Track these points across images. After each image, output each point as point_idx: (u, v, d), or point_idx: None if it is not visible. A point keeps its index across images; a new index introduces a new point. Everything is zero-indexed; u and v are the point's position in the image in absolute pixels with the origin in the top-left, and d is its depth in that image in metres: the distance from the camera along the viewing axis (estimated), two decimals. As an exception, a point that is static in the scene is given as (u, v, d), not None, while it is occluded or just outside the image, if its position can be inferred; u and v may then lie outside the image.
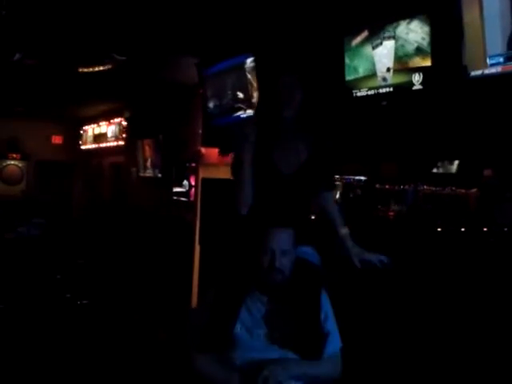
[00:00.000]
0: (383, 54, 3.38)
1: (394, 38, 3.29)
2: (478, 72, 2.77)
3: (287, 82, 2.10)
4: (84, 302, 5.91)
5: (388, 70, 3.37)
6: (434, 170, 5.59)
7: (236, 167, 2.12)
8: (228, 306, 1.89)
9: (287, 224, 1.92)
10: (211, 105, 5.26)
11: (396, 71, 3.31)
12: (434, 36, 3.01)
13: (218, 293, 1.95)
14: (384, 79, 3.41)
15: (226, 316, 1.88)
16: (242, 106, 4.74)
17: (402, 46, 3.24)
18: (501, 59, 2.64)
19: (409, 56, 3.21)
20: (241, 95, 4.77)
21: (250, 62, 4.63)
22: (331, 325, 1.96)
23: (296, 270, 1.93)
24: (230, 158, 2.13)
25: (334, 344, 1.95)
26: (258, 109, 2.28)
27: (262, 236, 1.89)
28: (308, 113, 2.17)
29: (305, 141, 2.17)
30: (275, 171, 2.12)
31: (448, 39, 2.93)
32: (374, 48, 3.45)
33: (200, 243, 5.91)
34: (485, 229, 4.94)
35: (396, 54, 3.29)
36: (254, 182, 2.09)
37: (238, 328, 1.87)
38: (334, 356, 1.95)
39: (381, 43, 3.39)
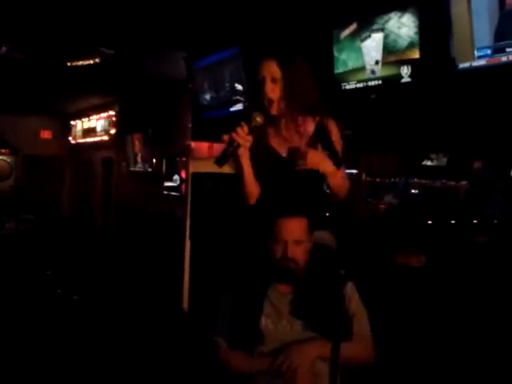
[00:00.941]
0: (372, 47, 3.36)
1: (382, 30, 3.27)
2: (466, 64, 2.76)
3: (270, 70, 2.07)
4: (75, 297, 5.89)
5: (377, 62, 3.36)
6: (425, 163, 5.61)
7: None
8: (250, 301, 1.88)
9: (297, 212, 1.90)
10: (207, 97, 5.22)
11: (385, 64, 3.30)
12: (422, 28, 3.00)
13: (238, 289, 1.94)
14: (373, 72, 3.40)
15: (250, 311, 1.87)
16: (241, 98, 4.70)
17: (391, 38, 3.23)
18: (488, 51, 2.64)
19: (397, 49, 3.20)
20: (239, 87, 4.73)
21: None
22: (357, 307, 1.93)
23: (313, 255, 1.91)
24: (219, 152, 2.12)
25: (363, 325, 1.91)
26: (248, 99, 2.25)
27: (272, 227, 1.87)
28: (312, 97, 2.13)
29: (305, 124, 2.14)
30: (275, 156, 2.10)
31: (436, 31, 2.92)
32: (362, 41, 3.43)
33: (190, 238, 5.89)
34: (475, 221, 4.97)
35: (384, 46, 3.28)
36: (255, 170, 2.06)
37: (263, 321, 1.87)
38: (363, 337, 1.90)
39: (369, 36, 3.38)
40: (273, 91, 2.05)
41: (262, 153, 2.08)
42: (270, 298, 1.89)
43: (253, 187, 2.05)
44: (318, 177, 2.09)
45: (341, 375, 1.76)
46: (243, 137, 1.94)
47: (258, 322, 1.86)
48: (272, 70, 2.05)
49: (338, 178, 2.04)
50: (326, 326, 1.80)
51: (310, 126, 2.12)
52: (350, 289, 1.95)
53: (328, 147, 2.05)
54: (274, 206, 1.94)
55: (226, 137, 1.96)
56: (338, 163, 2.02)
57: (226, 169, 2.10)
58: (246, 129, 1.95)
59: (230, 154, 1.95)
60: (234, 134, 1.94)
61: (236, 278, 2.00)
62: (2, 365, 3.95)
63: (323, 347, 1.78)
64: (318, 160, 1.99)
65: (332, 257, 2.03)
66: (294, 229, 1.87)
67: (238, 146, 1.95)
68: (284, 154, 2.09)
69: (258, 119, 2.00)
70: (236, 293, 1.94)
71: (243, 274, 1.99)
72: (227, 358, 1.90)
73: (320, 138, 2.08)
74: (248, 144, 1.97)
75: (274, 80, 2.05)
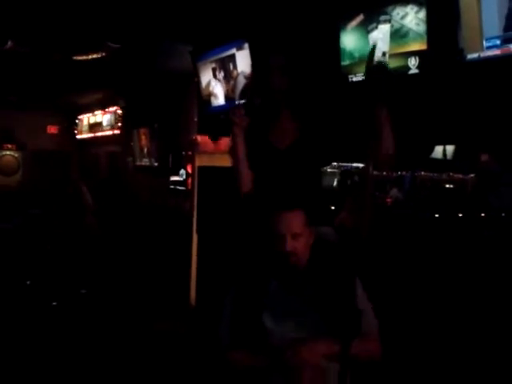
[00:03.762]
0: (379, 38, 3.34)
1: (389, 21, 3.25)
2: (475, 55, 2.73)
3: (277, 63, 2.10)
4: (83, 291, 5.92)
5: (384, 54, 3.33)
6: (432, 156, 5.59)
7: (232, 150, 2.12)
8: (252, 298, 1.85)
9: (294, 205, 1.87)
10: (213, 91, 5.20)
11: (392, 55, 3.27)
12: (429, 19, 2.96)
13: (239, 285, 1.92)
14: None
15: (252, 308, 1.84)
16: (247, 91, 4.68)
17: (398, 29, 3.20)
18: (497, 41, 2.61)
19: (405, 40, 3.18)
20: (245, 80, 4.69)
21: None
22: (363, 303, 1.89)
23: (316, 251, 1.88)
24: (226, 146, 2.14)
25: (370, 321, 1.88)
26: (251, 90, 2.30)
27: (269, 221, 1.85)
28: (299, 94, 2.17)
29: (296, 121, 2.18)
30: (272, 149, 2.12)
31: (444, 22, 2.89)
32: (369, 32, 3.41)
33: (197, 232, 5.89)
34: (482, 214, 4.95)
35: (392, 38, 3.25)
36: (251, 162, 2.08)
37: (266, 318, 1.83)
38: (370, 334, 1.87)
39: (376, 27, 3.35)
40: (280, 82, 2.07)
41: (261, 147, 2.10)
42: (271, 293, 1.86)
43: (245, 170, 2.07)
44: (316, 170, 2.12)
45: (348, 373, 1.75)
46: (239, 116, 1.99)
47: (259, 319, 1.83)
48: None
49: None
50: (334, 323, 1.78)
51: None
52: (356, 284, 1.91)
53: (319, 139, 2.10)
54: (271, 199, 1.92)
55: (222, 115, 2.04)
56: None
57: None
58: (242, 109, 2.00)
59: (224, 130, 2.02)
60: (230, 112, 1.99)
61: (237, 274, 1.97)
62: (9, 357, 3.98)
63: (332, 345, 1.76)
64: None
65: (336, 252, 2.01)
66: (292, 222, 1.84)
67: (234, 124, 1.99)
68: (280, 147, 2.12)
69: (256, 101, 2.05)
70: (237, 289, 1.92)
71: (244, 269, 1.96)
72: (231, 354, 1.87)
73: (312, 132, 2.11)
74: (244, 124, 2.01)
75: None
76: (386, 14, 3.26)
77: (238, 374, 1.87)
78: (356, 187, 6.71)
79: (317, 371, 1.76)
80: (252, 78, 4.28)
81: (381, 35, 3.33)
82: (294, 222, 1.84)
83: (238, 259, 2.11)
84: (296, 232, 1.83)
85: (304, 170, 2.12)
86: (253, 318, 1.83)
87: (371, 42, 3.39)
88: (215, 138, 5.49)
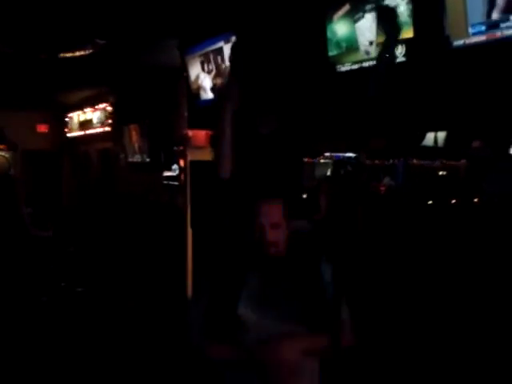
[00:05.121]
0: (365, 28, 3.33)
1: (375, 10, 3.23)
2: (461, 41, 2.73)
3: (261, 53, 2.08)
4: (79, 289, 5.91)
5: (371, 43, 3.33)
6: (423, 144, 5.59)
7: (216, 134, 2.09)
8: (228, 288, 1.83)
9: (274, 195, 1.86)
10: (202, 85, 5.18)
11: (379, 44, 3.26)
12: (415, 6, 2.96)
13: (215, 276, 1.88)
14: (367, 53, 3.36)
15: (228, 298, 1.82)
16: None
17: (384, 18, 3.18)
18: (483, 27, 2.61)
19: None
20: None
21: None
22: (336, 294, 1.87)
23: (292, 243, 1.87)
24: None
25: (343, 310, 1.86)
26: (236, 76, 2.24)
27: (249, 210, 1.83)
28: (283, 84, 2.15)
29: (279, 109, 2.16)
30: (254, 133, 2.10)
31: (430, 9, 2.88)
32: (355, 21, 3.39)
33: (192, 226, 5.88)
34: (475, 199, 4.96)
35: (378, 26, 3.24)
36: (234, 146, 2.04)
37: (242, 309, 1.81)
38: (344, 323, 1.85)
39: (363, 16, 3.34)
40: None
41: (245, 131, 2.07)
42: (248, 284, 1.83)
43: (229, 152, 2.02)
44: (296, 160, 2.10)
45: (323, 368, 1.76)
46: (234, 91, 1.95)
47: (235, 310, 1.80)
48: None
49: None
50: (305, 316, 1.78)
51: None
52: (326, 272, 1.91)
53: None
54: (251, 189, 1.92)
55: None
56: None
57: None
58: (237, 86, 1.96)
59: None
60: (224, 88, 1.97)
61: (213, 265, 1.95)
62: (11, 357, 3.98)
63: (312, 340, 1.76)
64: None
65: (310, 244, 2.00)
66: (272, 212, 1.82)
67: (227, 99, 1.95)
68: (262, 131, 2.10)
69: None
70: (213, 281, 1.88)
71: (220, 260, 1.93)
72: (207, 346, 1.85)
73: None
74: (234, 98, 1.97)
75: None
76: (371, 2, 3.24)
77: (215, 365, 1.87)
78: (349, 176, 6.74)
79: (294, 367, 1.74)
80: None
81: (367, 24, 3.32)
82: (274, 212, 1.83)
83: (216, 249, 2.09)
84: (276, 222, 1.82)
85: (285, 158, 2.11)
86: (229, 310, 1.80)
87: (358, 32, 3.38)
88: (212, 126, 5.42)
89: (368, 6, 3.30)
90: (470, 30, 2.65)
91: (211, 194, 2.16)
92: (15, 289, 5.31)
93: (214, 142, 2.16)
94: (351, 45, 3.46)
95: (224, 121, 2.01)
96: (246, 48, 2.15)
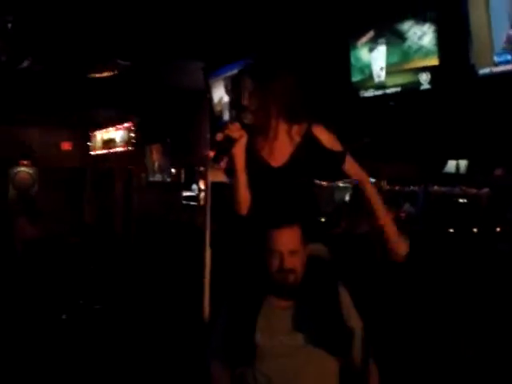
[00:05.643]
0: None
1: (401, 37, 3.25)
2: (487, 70, 2.73)
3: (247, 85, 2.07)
4: (97, 307, 5.93)
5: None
6: (445, 171, 5.55)
7: (230, 168, 2.08)
8: (244, 316, 1.81)
9: (291, 222, 1.84)
10: (225, 107, 5.25)
11: (403, 71, 3.28)
12: (440, 35, 2.97)
13: (231, 303, 1.88)
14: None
15: (244, 326, 1.80)
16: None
17: (410, 46, 3.20)
18: (509, 57, 2.60)
19: (416, 55, 3.18)
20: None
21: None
22: (348, 307, 1.88)
23: (309, 268, 1.85)
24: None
25: (355, 324, 1.85)
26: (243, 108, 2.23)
27: (266, 238, 1.82)
28: (308, 108, 2.13)
29: (292, 134, 2.13)
30: (265, 166, 2.08)
31: (455, 38, 2.89)
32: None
33: (211, 246, 5.89)
34: (498, 229, 4.89)
35: (403, 53, 3.26)
36: (249, 182, 2.04)
37: (259, 337, 1.79)
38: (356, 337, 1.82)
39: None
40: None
41: (252, 164, 2.06)
42: (264, 312, 1.82)
43: (245, 192, 1.99)
44: (309, 185, 2.09)
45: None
46: (236, 131, 1.92)
47: (252, 338, 1.78)
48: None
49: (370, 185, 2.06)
50: (325, 342, 1.77)
51: (297, 136, 2.11)
52: (345, 296, 1.90)
53: (320, 154, 2.05)
54: (267, 216, 1.88)
55: (219, 135, 1.93)
56: (341, 160, 2.04)
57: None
58: (237, 124, 1.94)
59: (224, 149, 1.93)
60: (227, 131, 1.92)
61: (230, 293, 1.93)
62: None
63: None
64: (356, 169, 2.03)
65: (327, 269, 1.98)
66: (289, 239, 1.81)
67: (233, 142, 1.93)
68: (274, 164, 2.08)
69: (247, 120, 2.00)
70: (230, 308, 1.88)
71: (237, 288, 1.92)
72: (218, 376, 1.85)
73: (310, 148, 2.07)
74: (243, 140, 1.95)
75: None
76: (396, 30, 3.27)
77: None
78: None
79: None
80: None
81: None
82: (292, 238, 1.81)
83: (234, 276, 2.08)
84: (293, 249, 1.80)
85: (300, 186, 2.09)
86: (245, 338, 1.79)
87: (372, 61, 3.44)
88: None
89: (392, 34, 3.32)
90: (496, 59, 2.65)
91: (232, 219, 2.15)
92: (37, 307, 5.36)
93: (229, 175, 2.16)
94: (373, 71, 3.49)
95: (238, 161, 2.00)
96: (266, 71, 2.14)
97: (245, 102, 2.04)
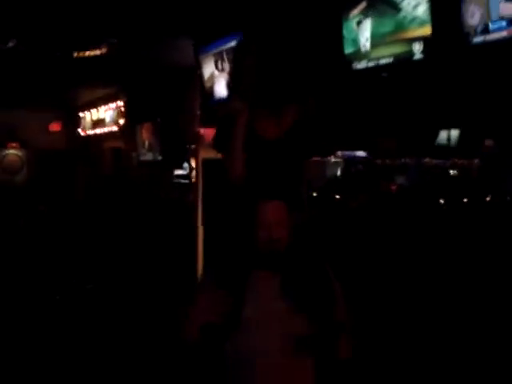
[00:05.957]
0: (365, 29, 3.38)
1: (395, 7, 3.23)
2: (480, 38, 2.71)
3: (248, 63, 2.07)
4: (89, 286, 5.95)
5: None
6: (436, 142, 5.58)
7: (224, 139, 2.09)
8: (232, 290, 1.82)
9: (280, 195, 1.89)
10: (215, 83, 5.20)
11: (396, 41, 3.26)
12: (433, 3, 2.95)
13: (218, 277, 1.88)
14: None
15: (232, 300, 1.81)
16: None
17: (405, 16, 3.18)
18: (503, 23, 2.59)
19: (408, 26, 3.16)
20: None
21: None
22: (335, 281, 1.93)
23: (294, 237, 1.90)
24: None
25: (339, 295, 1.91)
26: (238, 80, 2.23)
27: (256, 210, 1.85)
28: (294, 82, 2.14)
29: (289, 109, 2.14)
30: (259, 139, 2.10)
31: (449, 6, 2.87)
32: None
33: (203, 224, 5.90)
34: (487, 198, 4.95)
35: (396, 23, 3.24)
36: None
37: (248, 310, 1.81)
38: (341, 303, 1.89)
39: (381, 13, 3.35)
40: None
41: (247, 136, 2.07)
42: (253, 284, 1.84)
43: (242, 165, 2.03)
44: (302, 160, 2.11)
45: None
46: (239, 108, 1.94)
47: (240, 311, 1.80)
48: None
49: None
50: (314, 310, 1.81)
51: (293, 112, 2.12)
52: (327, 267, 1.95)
53: (313, 131, 2.07)
54: (258, 188, 1.93)
55: (221, 111, 1.95)
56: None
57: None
58: (239, 102, 1.95)
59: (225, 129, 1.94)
60: (232, 103, 1.94)
61: (217, 263, 1.96)
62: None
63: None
64: None
65: (313, 238, 2.02)
66: (277, 210, 1.86)
67: (235, 120, 1.94)
68: (267, 137, 2.09)
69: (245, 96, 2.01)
70: (217, 282, 1.87)
71: (224, 262, 1.94)
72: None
73: (304, 124, 2.09)
74: (243, 119, 1.96)
75: None
76: (390, 1, 3.24)
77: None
78: (360, 175, 6.73)
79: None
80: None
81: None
82: (280, 209, 1.86)
83: (223, 247, 2.10)
84: (281, 219, 1.85)
85: (293, 159, 2.11)
86: (233, 313, 1.80)
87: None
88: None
89: (383, 4, 3.30)
90: (491, 26, 2.63)
91: (222, 193, 2.17)
92: (32, 288, 5.37)
93: (218, 145, 2.17)
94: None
95: (239, 130, 2.01)
96: (257, 47, 2.13)
97: (244, 78, 2.04)
